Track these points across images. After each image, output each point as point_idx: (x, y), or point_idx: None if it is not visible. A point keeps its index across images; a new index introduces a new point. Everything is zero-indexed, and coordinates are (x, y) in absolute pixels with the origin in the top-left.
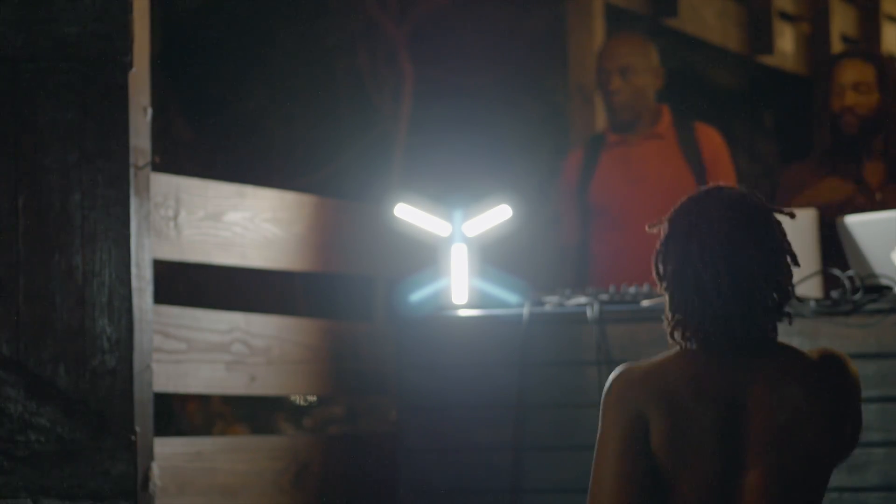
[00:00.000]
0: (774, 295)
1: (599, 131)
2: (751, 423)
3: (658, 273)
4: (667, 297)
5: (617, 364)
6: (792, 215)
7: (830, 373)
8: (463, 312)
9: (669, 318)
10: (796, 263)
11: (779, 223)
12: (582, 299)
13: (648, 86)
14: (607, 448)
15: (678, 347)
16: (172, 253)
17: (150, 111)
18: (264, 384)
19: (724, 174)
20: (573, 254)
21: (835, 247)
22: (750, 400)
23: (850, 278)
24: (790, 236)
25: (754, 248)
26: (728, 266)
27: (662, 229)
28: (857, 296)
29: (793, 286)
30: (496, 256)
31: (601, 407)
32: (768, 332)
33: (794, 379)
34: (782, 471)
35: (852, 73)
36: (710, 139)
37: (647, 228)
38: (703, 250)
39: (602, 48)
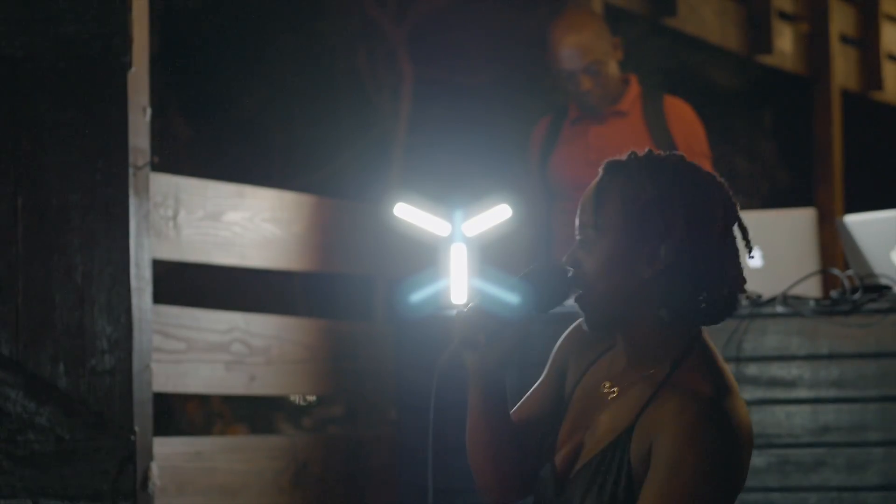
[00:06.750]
0: None
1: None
2: None
3: None
4: None
5: None
6: None
7: None
8: None
9: None
10: None
11: None
12: None
13: (615, 68)
14: None
15: None
16: (172, 253)
17: (149, 111)
18: (264, 384)
19: (695, 153)
20: (536, 231)
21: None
22: None
23: (850, 278)
24: (790, 237)
25: None
26: None
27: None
28: (857, 295)
29: None
30: (496, 256)
31: None
32: None
33: None
34: None
35: None
36: (680, 114)
37: None
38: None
39: (557, 47)
